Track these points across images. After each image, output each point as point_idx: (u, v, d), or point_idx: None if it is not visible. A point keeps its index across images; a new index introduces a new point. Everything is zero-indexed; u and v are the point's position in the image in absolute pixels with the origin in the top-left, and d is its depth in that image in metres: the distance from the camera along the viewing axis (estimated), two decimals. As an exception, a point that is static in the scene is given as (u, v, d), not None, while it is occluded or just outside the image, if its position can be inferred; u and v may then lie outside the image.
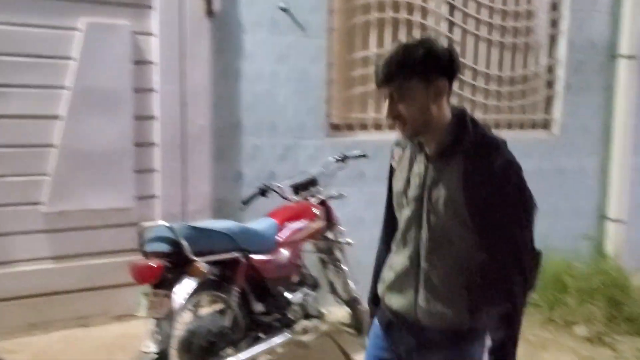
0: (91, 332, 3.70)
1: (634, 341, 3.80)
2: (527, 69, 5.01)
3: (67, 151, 3.69)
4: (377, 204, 4.18)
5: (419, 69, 1.63)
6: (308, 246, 3.67)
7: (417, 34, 4.51)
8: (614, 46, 5.15)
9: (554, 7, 5.07)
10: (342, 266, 3.80)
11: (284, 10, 4.11)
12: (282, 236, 3.27)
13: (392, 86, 1.65)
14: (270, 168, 4.15)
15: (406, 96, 1.64)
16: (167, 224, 2.74)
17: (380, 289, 1.93)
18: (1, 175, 3.62)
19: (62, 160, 3.69)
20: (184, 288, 2.68)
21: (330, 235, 3.74)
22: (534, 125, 5.05)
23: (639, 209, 5.20)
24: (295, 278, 3.40)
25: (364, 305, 3.60)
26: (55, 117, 3.67)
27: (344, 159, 3.77)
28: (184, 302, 2.69)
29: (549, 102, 5.14)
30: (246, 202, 3.54)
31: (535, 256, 1.72)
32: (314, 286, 3.53)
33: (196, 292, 2.75)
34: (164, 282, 2.62)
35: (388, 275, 1.89)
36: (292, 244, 3.32)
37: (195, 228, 2.80)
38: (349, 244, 3.76)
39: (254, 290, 3.10)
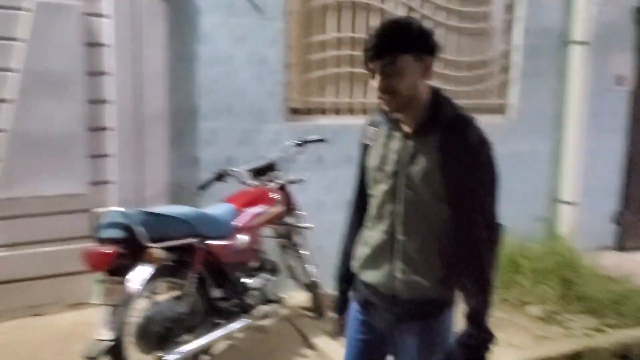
0: (45, 321, 3.63)
1: (585, 319, 3.92)
2: (483, 54, 5.07)
3: (18, 136, 3.58)
4: (337, 188, 4.27)
5: (413, 45, 1.69)
6: (267, 231, 3.67)
7: (375, 19, 4.52)
8: (567, 32, 5.26)
9: (510, -7, 5.13)
10: (301, 251, 3.81)
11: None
12: (240, 221, 3.25)
13: (385, 60, 1.69)
14: (228, 153, 4.11)
15: (399, 71, 1.69)
16: (121, 210, 2.69)
17: (355, 265, 1.97)
18: (-54, 161, 3.49)
19: (12, 145, 3.58)
20: (139, 274, 2.64)
21: (289, 219, 3.74)
22: (490, 110, 5.12)
23: (591, 192, 5.36)
24: (254, 263, 3.39)
25: (324, 289, 3.64)
26: (2, 100, 3.54)
27: (302, 143, 3.76)
28: (139, 288, 2.65)
29: (504, 87, 5.22)
30: (203, 187, 3.51)
31: (499, 228, 1.81)
32: (274, 271, 3.53)
33: (152, 278, 2.71)
34: (118, 269, 2.57)
35: (362, 251, 1.94)
36: (251, 229, 3.30)
37: (150, 214, 2.75)
38: (308, 228, 3.77)
39: (212, 276, 3.09)
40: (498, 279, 1.82)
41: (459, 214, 1.74)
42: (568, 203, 5.37)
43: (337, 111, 4.57)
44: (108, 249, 2.53)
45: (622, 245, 5.63)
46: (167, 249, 2.75)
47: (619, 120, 5.49)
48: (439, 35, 4.84)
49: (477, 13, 4.99)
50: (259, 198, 3.44)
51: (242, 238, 3.22)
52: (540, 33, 5.15)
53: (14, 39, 3.54)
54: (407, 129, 1.80)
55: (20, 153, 3.60)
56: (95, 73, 3.76)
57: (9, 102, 3.55)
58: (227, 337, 3.19)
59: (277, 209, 3.52)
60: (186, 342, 2.90)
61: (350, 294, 2.05)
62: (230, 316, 3.16)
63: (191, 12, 3.94)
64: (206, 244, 2.97)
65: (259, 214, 3.37)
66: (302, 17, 4.36)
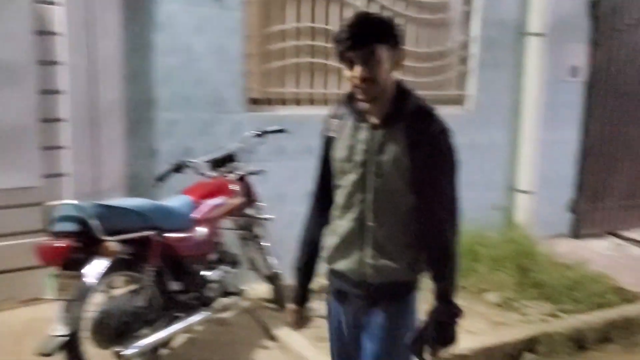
0: (-3, 317, 3.52)
1: (541, 305, 4.02)
2: (442, 45, 5.11)
3: (-35, 127, 3.46)
4: (298, 179, 4.25)
5: (389, 36, 1.76)
6: (227, 223, 3.63)
7: (335, 9, 4.50)
8: (523, 24, 5.34)
9: (468, -16, 5.18)
10: (262, 242, 3.79)
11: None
12: (198, 213, 3.21)
13: (366, 50, 1.73)
14: (187, 144, 4.04)
15: (376, 60, 1.74)
16: (75, 203, 2.64)
17: (325, 255, 2.02)
18: None
19: (-41, 137, 3.45)
20: (95, 268, 2.58)
21: (250, 211, 3.71)
22: (448, 102, 5.17)
23: (546, 181, 5.48)
24: (213, 255, 3.36)
25: (285, 280, 3.64)
26: (-51, 90, 3.41)
27: (262, 133, 3.73)
28: (95, 282, 2.59)
29: (462, 78, 5.28)
30: (161, 179, 3.45)
31: (460, 212, 1.91)
32: (234, 263, 3.51)
33: (108, 272, 2.65)
34: (73, 263, 2.52)
35: (332, 240, 1.98)
36: (210, 221, 3.26)
37: (105, 206, 2.69)
38: (269, 219, 3.76)
39: (170, 269, 3.04)
40: (458, 264, 1.90)
41: (424, 198, 1.83)
42: (524, 192, 5.49)
43: (298, 102, 4.55)
44: (62, 243, 2.48)
45: (576, 233, 5.79)
46: (124, 242, 2.69)
47: (573, 111, 5.62)
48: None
49: (435, 4, 5.01)
50: (218, 190, 3.40)
51: (201, 230, 3.18)
52: (497, 24, 5.22)
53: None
54: (374, 119, 1.85)
55: (-31, 145, 3.47)
56: (47, 62, 3.65)
57: (-44, 92, 3.42)
58: (187, 330, 3.16)
59: (237, 200, 3.49)
60: (144, 336, 2.85)
61: (321, 286, 2.09)
62: (189, 309, 3.13)
63: None
64: (164, 236, 2.92)
65: (218, 206, 3.33)
66: (261, 6, 4.32)
